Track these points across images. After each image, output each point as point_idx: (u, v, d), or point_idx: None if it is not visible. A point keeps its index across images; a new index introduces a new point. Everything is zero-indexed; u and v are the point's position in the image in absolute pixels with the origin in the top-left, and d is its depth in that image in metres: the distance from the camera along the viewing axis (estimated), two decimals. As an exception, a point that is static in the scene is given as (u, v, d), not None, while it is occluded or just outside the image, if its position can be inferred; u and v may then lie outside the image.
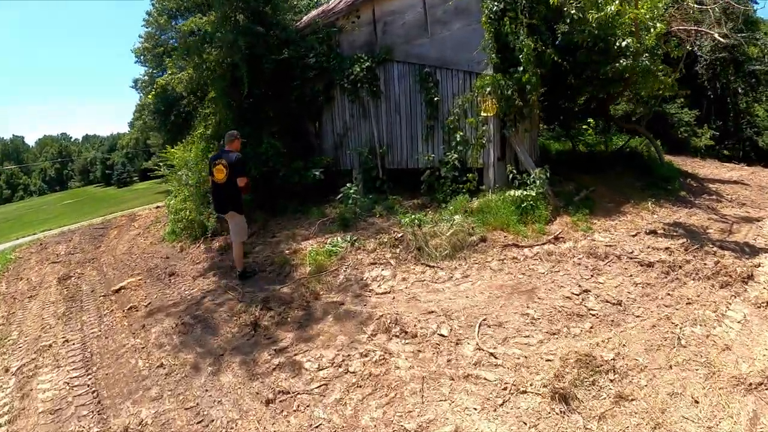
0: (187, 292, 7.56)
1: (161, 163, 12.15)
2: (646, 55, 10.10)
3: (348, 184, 9.78)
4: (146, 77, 32.31)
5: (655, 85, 11.20)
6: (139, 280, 8.66)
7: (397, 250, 7.54)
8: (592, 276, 6.74)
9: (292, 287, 6.94)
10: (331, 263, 7.48)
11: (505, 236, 8.03)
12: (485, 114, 9.25)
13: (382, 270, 7.04)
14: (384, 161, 11.19)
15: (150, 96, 26.62)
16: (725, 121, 20.92)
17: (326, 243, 8.30)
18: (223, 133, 8.18)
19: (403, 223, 8.43)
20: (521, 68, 8.85)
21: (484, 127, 9.37)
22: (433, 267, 7.00)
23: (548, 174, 8.95)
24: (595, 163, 13.27)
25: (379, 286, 6.64)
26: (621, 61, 10.13)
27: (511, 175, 9.08)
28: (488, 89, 9.05)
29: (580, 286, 6.42)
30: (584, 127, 14.78)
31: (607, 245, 7.87)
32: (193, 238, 10.44)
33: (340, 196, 10.62)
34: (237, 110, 11.29)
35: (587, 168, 12.64)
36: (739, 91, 20.23)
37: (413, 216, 8.60)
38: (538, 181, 8.75)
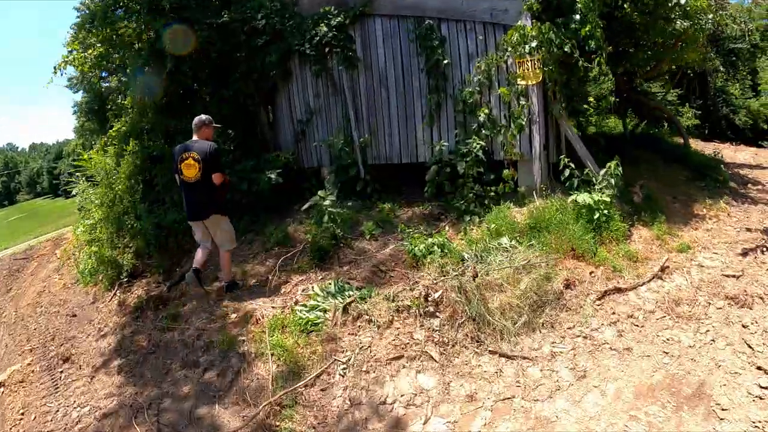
0: (75, 413, 4.20)
1: (78, 174, 8.54)
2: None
3: (320, 192, 6.63)
4: (79, 74, 26.73)
5: (695, 53, 8.89)
6: (29, 365, 5.36)
7: (434, 322, 4.46)
8: (764, 343, 4.13)
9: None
10: (311, 355, 4.33)
11: (590, 271, 5.26)
12: (524, 82, 6.38)
13: (417, 373, 3.99)
14: (366, 155, 8.10)
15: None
16: (705, 100, 19.53)
17: (296, 298, 5.17)
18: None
19: (414, 251, 5.46)
20: (577, 16, 6.05)
21: (522, 102, 6.50)
22: (514, 357, 4.06)
23: (621, 169, 6.26)
24: (614, 147, 10.86)
25: (423, 423, 3.56)
26: (677, 22, 7.62)
27: (568, 171, 6.29)
28: (530, 46, 6.18)
29: (760, 367, 3.81)
30: (584, 106, 12.37)
31: (729, 275, 5.37)
32: (109, 280, 7.21)
33: (307, 206, 7.46)
34: (162, 97, 8.13)
35: (609, 153, 10.22)
36: (720, 69, 18.84)
37: (428, 240, 5.64)
38: (611, 180, 6.03)
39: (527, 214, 6.09)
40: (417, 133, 7.54)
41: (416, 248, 5.61)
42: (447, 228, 6.53)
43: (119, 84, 13.06)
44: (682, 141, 12.02)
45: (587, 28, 5.99)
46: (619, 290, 5.23)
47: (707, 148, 14.75)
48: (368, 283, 5.30)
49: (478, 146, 6.66)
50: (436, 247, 5.61)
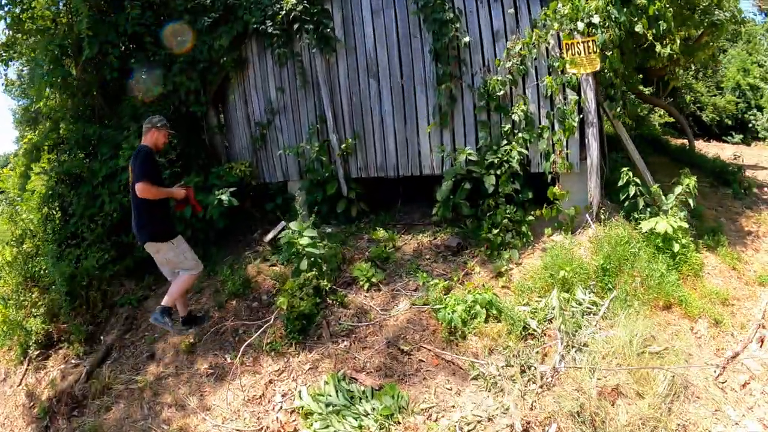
0: None
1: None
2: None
3: (293, 225, 4.75)
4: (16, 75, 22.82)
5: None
6: None
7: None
8: None
9: None
10: None
11: (690, 327, 3.77)
12: (576, 71, 4.74)
13: None
14: (349, 166, 6.25)
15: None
16: (675, 98, 19.05)
17: (277, 415, 3.33)
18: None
19: (450, 317, 3.75)
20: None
21: (571, 96, 4.85)
22: None
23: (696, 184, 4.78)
24: (616, 150, 9.56)
25: None
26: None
27: (633, 188, 4.72)
28: (588, 22, 4.55)
29: None
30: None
31: None
32: (21, 348, 5.34)
33: (272, 236, 5.61)
34: (81, 96, 6.42)
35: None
36: (689, 67, 18.40)
37: (466, 297, 3.93)
38: (688, 200, 4.55)
39: (592, 249, 4.46)
40: (421, 137, 5.75)
41: (450, 312, 3.84)
42: (476, 268, 4.80)
43: (21, 80, 10.50)
44: (683, 142, 10.95)
45: (656, 6, 4.43)
46: (735, 355, 3.74)
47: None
48: (386, 377, 3.47)
49: (516, 155, 4.96)
50: (479, 307, 3.87)
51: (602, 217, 4.78)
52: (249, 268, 5.52)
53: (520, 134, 5.04)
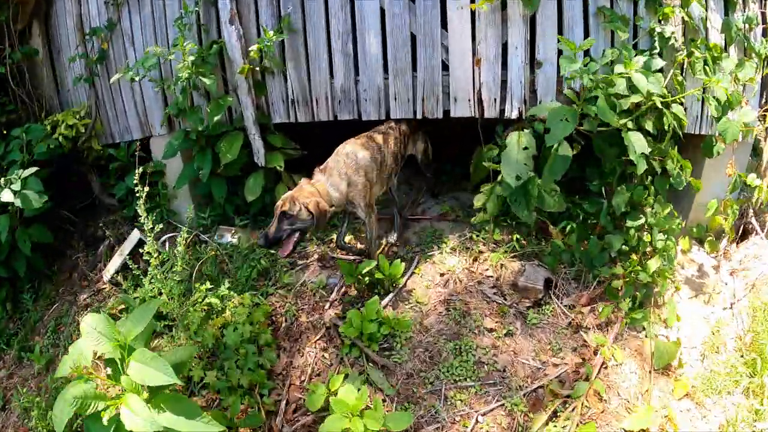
0: None
1: None
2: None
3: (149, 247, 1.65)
4: None
5: None
6: None
7: None
8: None
9: None
10: None
11: None
12: None
13: None
14: (268, 96, 2.95)
15: None
16: None
17: None
18: None
19: None
20: None
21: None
22: None
23: None
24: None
25: None
26: None
27: None
28: None
29: None
30: None
31: None
32: None
33: (116, 269, 2.53)
34: None
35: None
36: None
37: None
38: None
39: None
40: (452, 34, 2.61)
41: None
42: (614, 352, 2.17)
43: None
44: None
45: None
46: None
47: None
48: None
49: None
50: None
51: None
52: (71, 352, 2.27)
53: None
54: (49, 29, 3.25)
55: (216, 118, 2.77)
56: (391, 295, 2.48)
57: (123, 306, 2.53)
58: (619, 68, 2.29)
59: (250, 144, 2.90)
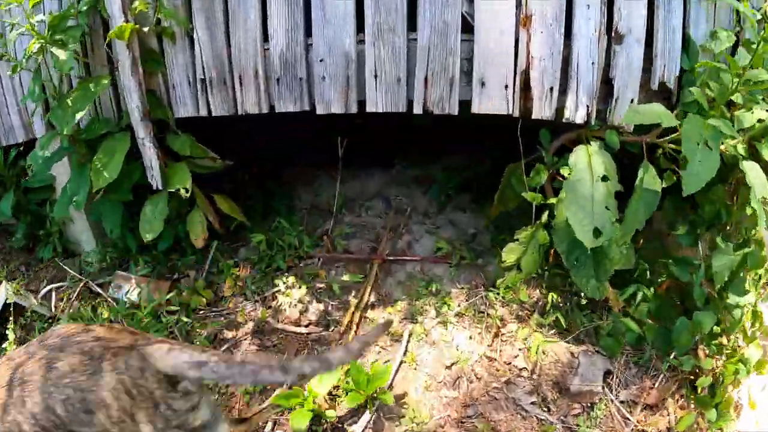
0: None
1: None
2: None
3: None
4: None
5: None
6: None
7: None
8: None
9: None
10: None
11: None
12: None
13: None
14: (170, 73, 1.84)
15: None
16: None
17: None
18: None
19: None
20: None
21: None
22: None
23: None
24: None
25: None
26: None
27: None
28: None
29: None
30: None
31: None
32: None
33: None
34: None
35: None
36: None
37: None
38: None
39: None
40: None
41: None
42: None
43: None
44: None
45: None
46: None
47: None
48: None
49: None
50: None
51: None
52: None
53: None
54: None
55: (79, 114, 1.69)
56: (368, 416, 1.57)
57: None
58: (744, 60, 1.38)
59: (142, 154, 1.84)
